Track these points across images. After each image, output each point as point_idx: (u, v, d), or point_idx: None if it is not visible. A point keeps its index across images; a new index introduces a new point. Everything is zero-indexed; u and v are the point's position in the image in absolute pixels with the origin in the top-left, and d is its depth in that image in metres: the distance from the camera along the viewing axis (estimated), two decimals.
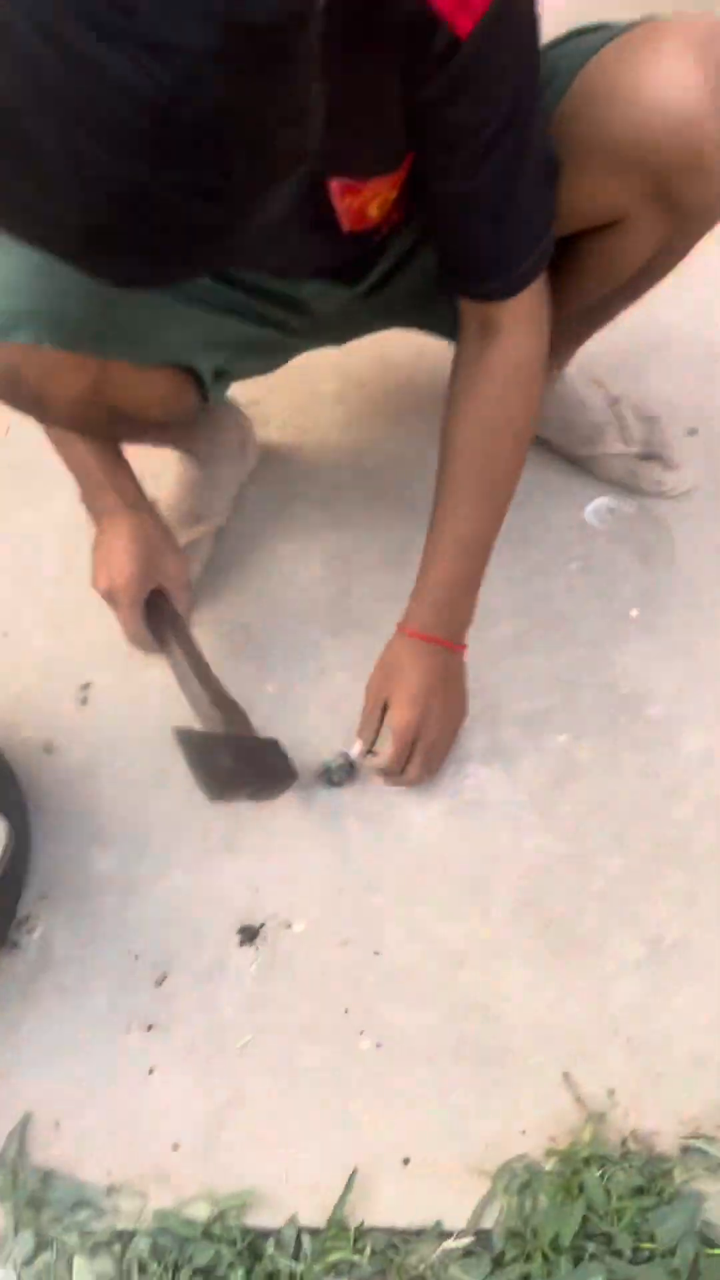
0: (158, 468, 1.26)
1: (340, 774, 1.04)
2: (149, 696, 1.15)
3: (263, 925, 0.98)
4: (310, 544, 1.26)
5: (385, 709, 1.00)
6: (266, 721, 1.10)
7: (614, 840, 0.99)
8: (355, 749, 1.03)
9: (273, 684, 1.15)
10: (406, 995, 0.93)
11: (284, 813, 1.05)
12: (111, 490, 1.06)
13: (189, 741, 0.93)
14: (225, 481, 1.26)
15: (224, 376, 1.03)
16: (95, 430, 0.96)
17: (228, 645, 1.19)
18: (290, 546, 1.27)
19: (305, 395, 1.42)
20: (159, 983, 0.96)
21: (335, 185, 0.82)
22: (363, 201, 0.85)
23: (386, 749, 0.99)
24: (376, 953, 0.95)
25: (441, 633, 0.99)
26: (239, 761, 0.97)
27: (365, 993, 0.93)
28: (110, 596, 1.04)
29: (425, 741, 1.00)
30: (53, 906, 1.02)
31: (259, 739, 1.03)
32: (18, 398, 0.84)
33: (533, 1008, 0.91)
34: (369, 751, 1.03)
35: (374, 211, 0.86)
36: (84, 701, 1.16)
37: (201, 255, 0.54)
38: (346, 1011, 0.92)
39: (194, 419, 1.07)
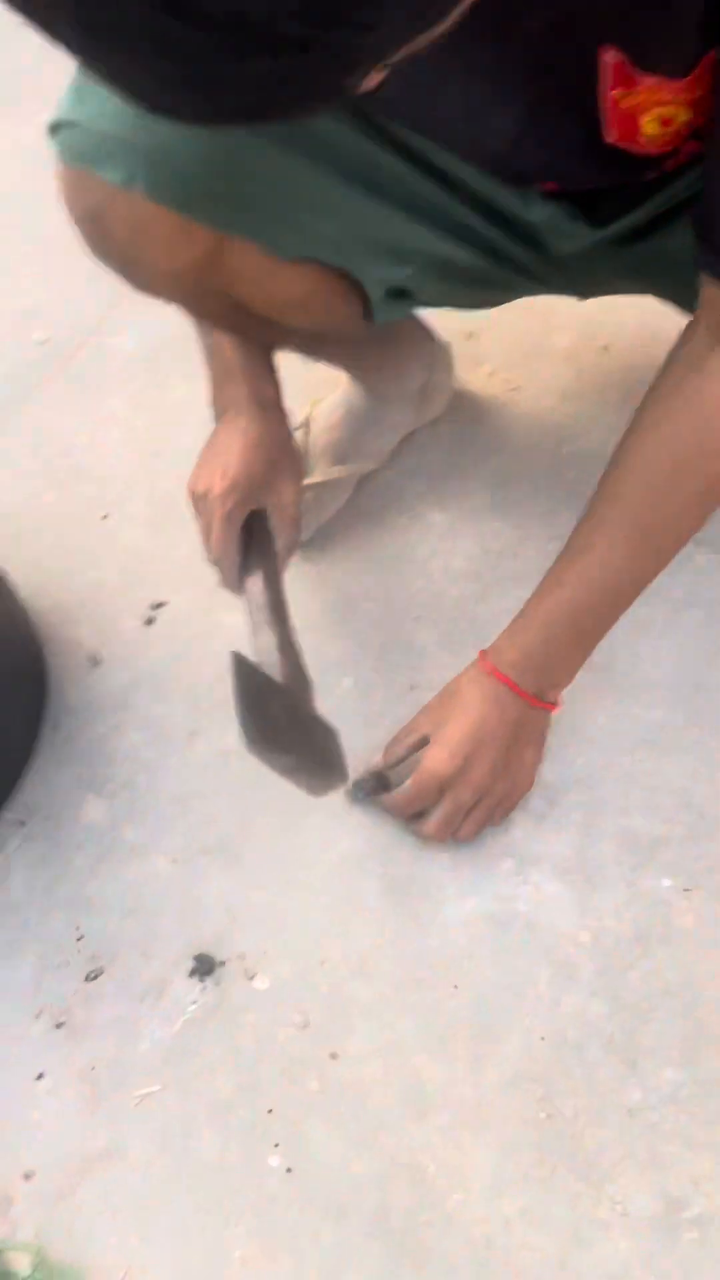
0: (318, 381, 1.06)
1: (362, 790, 0.85)
2: (218, 639, 0.98)
3: (223, 964, 0.81)
4: (464, 526, 1.03)
5: (423, 740, 0.82)
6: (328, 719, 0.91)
7: (679, 1045, 0.75)
8: (375, 760, 0.85)
9: (352, 679, 0.95)
10: (345, 1123, 0.74)
11: (302, 835, 0.86)
12: (243, 382, 0.87)
13: (246, 673, 0.73)
14: (393, 425, 1.05)
15: (405, 298, 0.80)
16: (212, 318, 0.77)
17: (319, 615, 1.00)
18: (439, 520, 1.04)
19: (531, 343, 1.17)
20: (91, 977, 0.82)
21: (609, 62, 0.57)
22: (636, 105, 0.59)
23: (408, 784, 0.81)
24: (334, 1055, 0.77)
25: (526, 682, 0.78)
26: (292, 723, 0.77)
27: (300, 1099, 0.75)
28: (202, 503, 0.86)
29: (455, 800, 0.80)
30: (23, 840, 0.89)
31: (321, 720, 0.83)
32: (105, 253, 0.65)
33: (484, 1213, 0.70)
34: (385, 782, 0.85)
35: (649, 128, 0.61)
36: (150, 621, 1.01)
37: (259, 80, 0.34)
38: (270, 1112, 0.75)
39: (356, 338, 0.85)
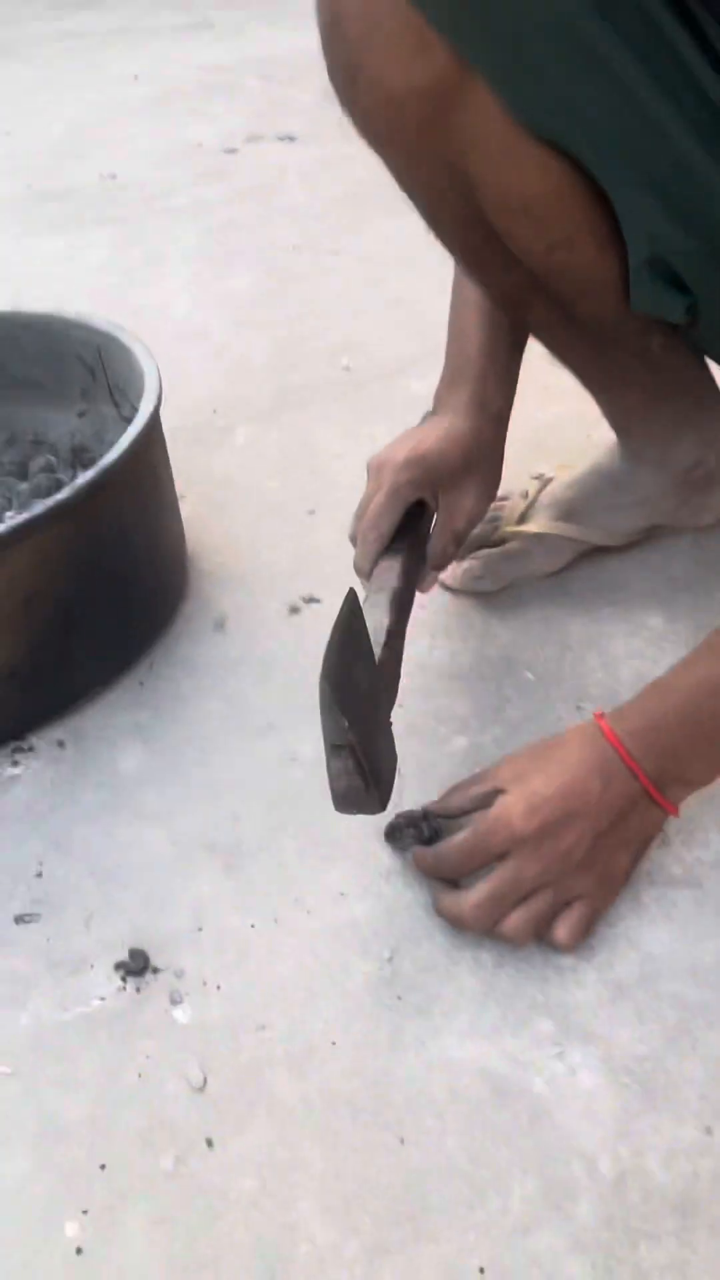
0: (571, 437, 0.93)
1: (406, 835, 0.68)
2: None
3: (156, 971, 0.64)
4: (683, 640, 0.83)
5: (493, 796, 0.63)
6: (420, 778, 0.74)
7: None
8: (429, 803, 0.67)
9: (468, 742, 0.77)
10: (175, 1232, 0.53)
11: (319, 877, 0.68)
12: (472, 383, 0.78)
13: (355, 616, 0.59)
14: (644, 502, 0.89)
15: (676, 293, 0.65)
16: (434, 203, 0.65)
17: (468, 665, 0.84)
18: (656, 624, 0.86)
19: None
20: (21, 919, 0.68)
21: None
22: None
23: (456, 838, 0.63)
24: (210, 1142, 0.56)
25: (646, 763, 0.60)
26: (366, 706, 0.59)
27: (144, 1171, 0.55)
28: (376, 471, 0.77)
29: (515, 872, 0.60)
30: (50, 761, 0.79)
31: (390, 735, 0.66)
32: (335, 55, 0.55)
33: None
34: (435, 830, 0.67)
35: None
36: (295, 611, 0.91)
37: None
38: (103, 1168, 0.56)
39: (609, 323, 0.70)
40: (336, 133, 0.62)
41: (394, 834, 0.68)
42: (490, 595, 0.89)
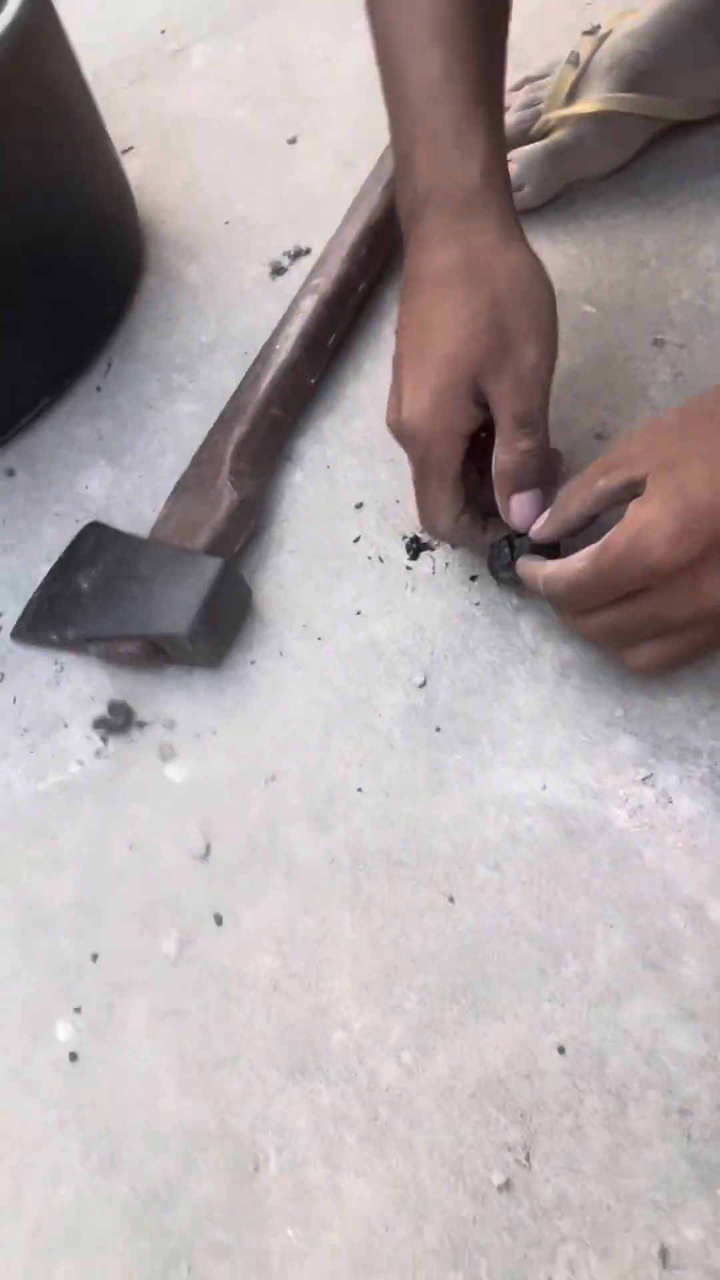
0: None
1: (505, 563, 0.48)
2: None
3: (142, 725, 0.53)
4: None
5: (631, 490, 0.41)
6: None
7: None
8: (535, 526, 0.46)
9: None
10: (183, 1025, 0.44)
11: (343, 582, 0.54)
12: (458, 191, 0.46)
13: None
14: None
15: None
16: None
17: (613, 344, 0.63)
18: None
19: None
20: None
21: None
22: None
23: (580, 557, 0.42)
24: (219, 917, 0.46)
25: None
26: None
27: (142, 956, 0.46)
28: (408, 440, 0.47)
29: (653, 610, 0.40)
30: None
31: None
32: None
33: (318, 1254, 0.38)
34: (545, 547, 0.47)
35: None
36: (280, 272, 0.71)
37: None
38: (95, 959, 0.47)
39: None
40: None
41: (495, 565, 0.49)
42: (533, 211, 0.67)
